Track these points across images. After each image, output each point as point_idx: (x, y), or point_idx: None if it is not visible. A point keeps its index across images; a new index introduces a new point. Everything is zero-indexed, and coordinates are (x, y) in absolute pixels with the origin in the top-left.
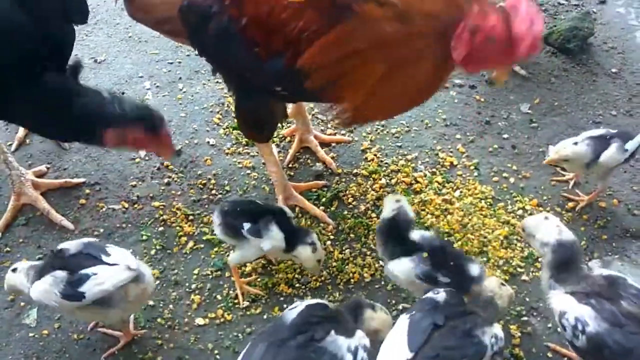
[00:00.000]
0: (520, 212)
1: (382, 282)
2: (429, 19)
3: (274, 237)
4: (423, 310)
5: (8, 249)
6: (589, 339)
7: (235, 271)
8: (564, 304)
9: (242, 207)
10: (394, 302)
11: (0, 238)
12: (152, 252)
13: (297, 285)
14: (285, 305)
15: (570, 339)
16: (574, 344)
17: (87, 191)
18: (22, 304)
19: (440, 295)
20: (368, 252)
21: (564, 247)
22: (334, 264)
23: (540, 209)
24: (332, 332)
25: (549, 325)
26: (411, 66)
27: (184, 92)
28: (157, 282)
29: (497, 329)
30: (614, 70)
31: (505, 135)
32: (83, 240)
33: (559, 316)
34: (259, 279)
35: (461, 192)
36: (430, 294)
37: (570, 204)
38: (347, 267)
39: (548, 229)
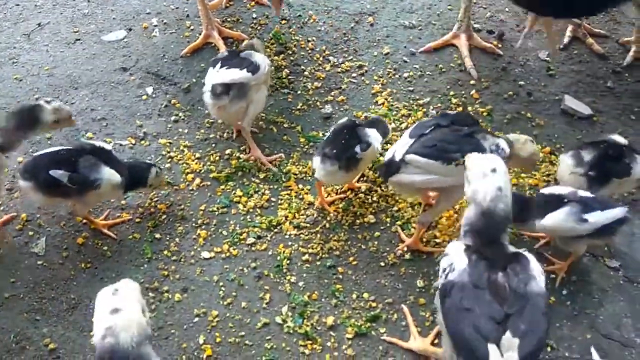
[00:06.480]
0: None
1: (387, 224)
2: None
3: (375, 137)
4: (433, 117)
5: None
6: None
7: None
8: None
9: (341, 141)
10: (395, 242)
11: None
12: None
13: (302, 224)
14: (290, 243)
15: None
16: None
17: (95, 126)
18: (31, 233)
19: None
20: (374, 195)
21: None
22: (340, 204)
23: (553, 157)
24: None
25: None
26: None
27: (192, 29)
28: (164, 216)
29: (501, 141)
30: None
31: (521, 82)
32: None
33: None
34: (264, 217)
35: None
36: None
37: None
38: (352, 207)
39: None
